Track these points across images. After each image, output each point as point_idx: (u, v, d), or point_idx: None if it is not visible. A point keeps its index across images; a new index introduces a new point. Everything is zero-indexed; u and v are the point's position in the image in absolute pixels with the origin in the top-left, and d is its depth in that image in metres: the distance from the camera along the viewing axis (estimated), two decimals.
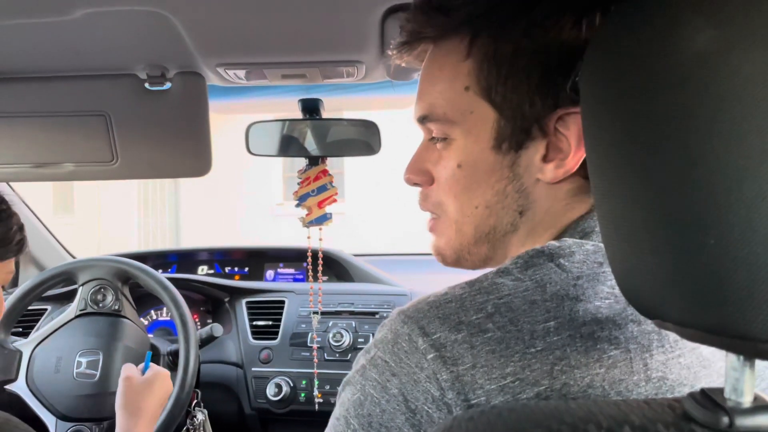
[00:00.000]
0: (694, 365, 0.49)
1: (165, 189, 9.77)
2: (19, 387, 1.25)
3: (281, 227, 8.61)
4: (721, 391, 0.36)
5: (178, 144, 1.11)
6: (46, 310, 1.60)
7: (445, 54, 0.56)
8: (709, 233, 0.32)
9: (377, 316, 1.54)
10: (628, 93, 0.36)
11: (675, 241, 0.34)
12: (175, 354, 1.36)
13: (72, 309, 1.33)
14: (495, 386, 0.44)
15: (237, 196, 8.90)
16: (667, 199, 0.34)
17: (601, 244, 0.52)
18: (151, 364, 1.21)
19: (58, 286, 1.40)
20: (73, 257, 1.91)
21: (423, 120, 0.58)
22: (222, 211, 8.89)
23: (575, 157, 0.52)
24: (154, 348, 1.35)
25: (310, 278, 1.32)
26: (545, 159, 0.54)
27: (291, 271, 1.93)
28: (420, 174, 0.61)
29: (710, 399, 0.36)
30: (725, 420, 0.34)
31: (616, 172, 0.38)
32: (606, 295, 0.48)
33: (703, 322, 0.34)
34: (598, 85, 0.40)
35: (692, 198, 0.33)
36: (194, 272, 1.95)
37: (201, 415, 1.38)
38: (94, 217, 9.15)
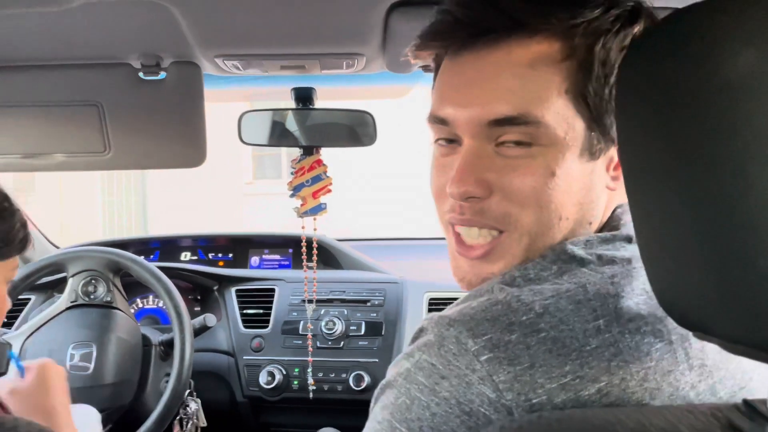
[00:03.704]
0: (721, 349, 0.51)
1: None
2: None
3: (251, 206, 8.53)
4: (764, 402, 0.38)
5: (172, 134, 1.09)
6: (29, 300, 1.57)
7: (538, 50, 0.51)
8: (760, 254, 0.34)
9: (369, 304, 1.55)
10: (668, 113, 0.37)
11: (723, 260, 0.35)
12: (167, 344, 1.36)
13: (62, 301, 1.31)
14: (556, 385, 0.44)
15: (205, 174, 8.75)
16: (714, 219, 0.35)
17: (627, 243, 0.54)
18: (26, 365, 1.01)
19: (46, 276, 1.37)
20: (54, 245, 1.87)
21: (505, 122, 0.51)
22: (190, 191, 8.74)
23: None
24: (145, 339, 1.34)
25: (305, 266, 1.32)
26: (616, 166, 0.54)
27: (276, 257, 1.92)
28: (479, 185, 0.53)
29: (755, 410, 0.38)
30: None
31: (657, 188, 0.39)
32: (640, 291, 0.50)
33: (751, 339, 0.36)
34: (634, 103, 0.41)
35: (741, 218, 0.34)
36: (177, 258, 1.93)
37: (194, 404, 1.38)
38: (55, 197, 8.92)
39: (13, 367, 0.99)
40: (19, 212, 0.84)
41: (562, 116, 0.51)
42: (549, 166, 0.52)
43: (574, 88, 0.51)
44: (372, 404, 0.53)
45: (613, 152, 0.54)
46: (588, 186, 0.54)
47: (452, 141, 0.56)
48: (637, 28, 0.51)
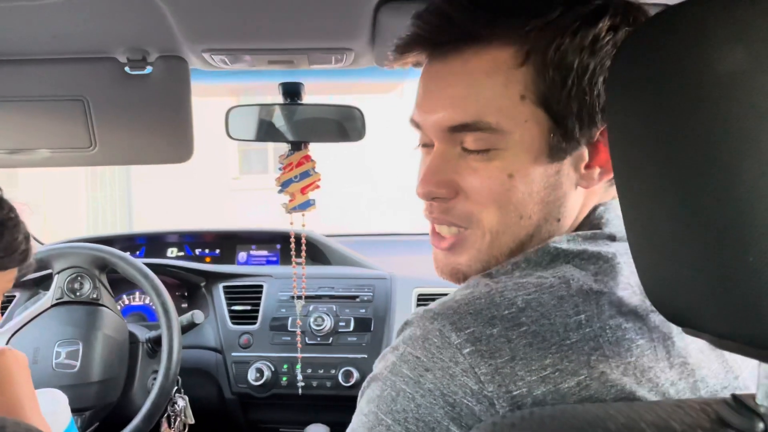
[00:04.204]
0: (705, 349, 0.52)
1: None
2: None
3: (238, 202, 8.48)
4: (752, 396, 0.38)
5: (158, 130, 1.09)
6: (14, 296, 1.55)
7: (493, 58, 0.53)
8: (749, 250, 0.34)
9: (358, 300, 1.55)
10: (658, 110, 0.37)
11: (714, 257, 0.36)
12: (154, 341, 1.35)
13: (48, 298, 1.29)
14: (536, 377, 0.45)
15: (191, 169, 8.69)
16: (705, 215, 0.35)
17: (610, 241, 0.55)
18: None
19: (31, 273, 1.35)
20: (39, 242, 1.85)
21: (461, 129, 0.54)
22: (175, 186, 8.68)
23: None
24: (132, 336, 1.34)
25: (293, 262, 1.32)
26: (587, 166, 0.55)
27: (264, 253, 1.91)
28: (443, 186, 0.57)
29: (744, 405, 0.38)
30: (761, 425, 0.36)
31: (648, 185, 0.40)
32: (624, 285, 0.51)
33: (740, 335, 0.36)
34: (624, 100, 0.41)
35: (732, 214, 0.34)
36: (164, 255, 1.92)
37: (182, 402, 1.37)
38: (39, 193, 8.82)
39: None
40: (23, 224, 0.84)
41: (517, 121, 0.53)
42: (506, 169, 0.54)
43: (532, 93, 0.52)
44: (359, 398, 0.54)
45: (582, 152, 0.55)
46: (553, 185, 0.55)
47: (429, 144, 0.59)
48: (601, 25, 0.51)
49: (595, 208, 0.58)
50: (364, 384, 0.54)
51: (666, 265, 0.40)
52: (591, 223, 0.57)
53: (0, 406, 0.87)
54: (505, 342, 0.46)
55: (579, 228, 0.57)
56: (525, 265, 0.54)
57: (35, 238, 1.88)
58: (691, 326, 0.40)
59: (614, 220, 0.56)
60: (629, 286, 0.51)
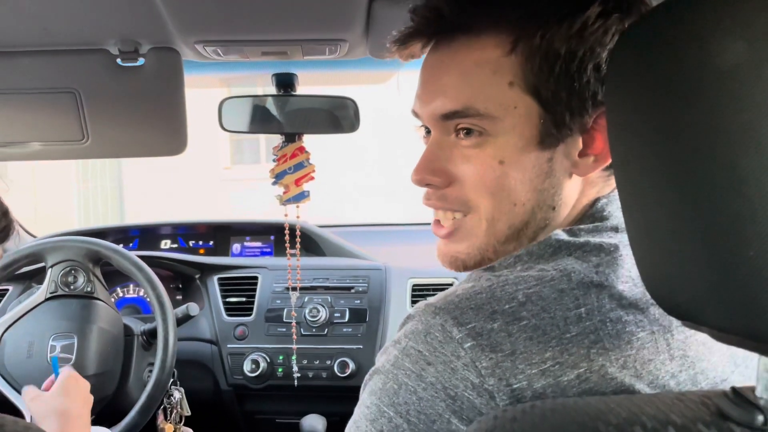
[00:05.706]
0: (708, 341, 0.52)
1: None
2: None
3: (229, 192, 8.45)
4: (752, 389, 0.39)
5: (152, 122, 1.08)
6: (7, 290, 1.54)
7: (482, 48, 0.54)
8: (750, 245, 0.34)
9: (352, 291, 1.55)
10: (659, 102, 0.37)
11: (714, 252, 0.36)
12: (149, 333, 1.34)
13: (41, 292, 1.28)
14: (536, 370, 0.46)
15: (182, 159, 8.61)
16: (705, 209, 0.35)
17: (614, 233, 0.55)
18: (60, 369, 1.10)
19: (24, 267, 1.34)
20: (31, 234, 1.84)
21: (453, 116, 0.55)
22: (167, 177, 8.63)
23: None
24: (127, 329, 1.33)
25: (288, 254, 1.32)
26: (581, 154, 0.55)
27: (258, 244, 1.91)
28: (437, 174, 0.58)
29: (743, 398, 0.38)
30: (760, 418, 0.37)
31: (648, 179, 0.40)
32: (626, 279, 0.51)
33: (740, 328, 0.36)
34: (624, 93, 0.41)
35: (732, 209, 0.34)
36: (157, 247, 1.91)
37: (178, 394, 1.37)
38: (29, 184, 8.75)
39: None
40: (0, 201, 0.83)
41: (506, 108, 0.54)
42: (497, 156, 0.55)
43: (521, 80, 0.53)
44: (361, 390, 0.55)
45: (575, 139, 0.55)
46: (546, 172, 0.56)
47: (429, 132, 0.61)
48: (590, 12, 0.51)
49: (597, 201, 0.58)
50: (367, 377, 0.54)
51: (666, 259, 0.40)
52: (593, 216, 0.57)
53: (51, 416, 0.99)
54: (505, 336, 0.47)
55: (580, 220, 0.58)
56: (527, 258, 0.54)
57: (27, 231, 1.87)
58: (691, 320, 0.40)
59: (616, 212, 0.57)
60: (630, 278, 0.52)
